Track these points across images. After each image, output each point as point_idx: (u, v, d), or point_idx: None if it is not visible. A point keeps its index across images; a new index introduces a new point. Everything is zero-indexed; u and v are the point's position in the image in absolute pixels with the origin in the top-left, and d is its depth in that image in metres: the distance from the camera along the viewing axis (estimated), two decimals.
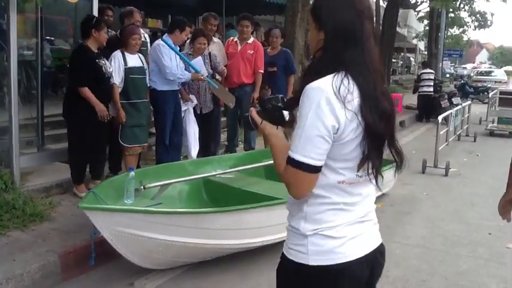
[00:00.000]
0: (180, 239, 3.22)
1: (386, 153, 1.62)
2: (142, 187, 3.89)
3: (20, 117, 5.78)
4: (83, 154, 4.87)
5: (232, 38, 6.75)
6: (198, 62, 5.65)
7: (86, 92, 4.63)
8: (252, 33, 11.77)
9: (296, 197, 1.52)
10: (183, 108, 5.70)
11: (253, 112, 1.63)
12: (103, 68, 4.75)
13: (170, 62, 5.26)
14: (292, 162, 1.45)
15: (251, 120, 1.63)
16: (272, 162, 5.03)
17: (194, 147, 5.72)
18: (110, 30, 5.81)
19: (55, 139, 6.24)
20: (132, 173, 3.71)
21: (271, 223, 3.66)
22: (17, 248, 3.57)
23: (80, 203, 3.06)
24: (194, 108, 5.80)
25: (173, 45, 5.31)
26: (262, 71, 6.45)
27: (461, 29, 30.07)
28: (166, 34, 5.56)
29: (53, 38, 11.24)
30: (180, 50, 5.71)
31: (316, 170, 1.45)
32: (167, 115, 5.40)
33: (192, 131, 5.72)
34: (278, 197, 4.14)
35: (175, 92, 5.46)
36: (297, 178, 1.47)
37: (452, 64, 44.89)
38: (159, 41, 5.45)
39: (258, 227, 3.58)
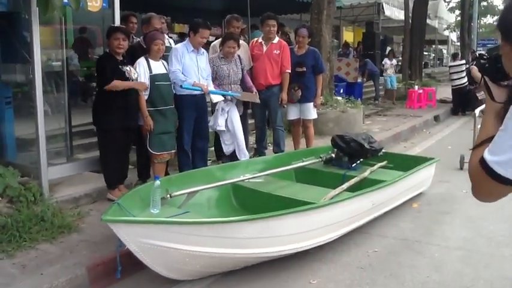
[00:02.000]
0: (206, 249, 3.11)
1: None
2: (168, 195, 3.82)
3: (49, 128, 5.83)
4: (114, 160, 4.87)
5: (256, 39, 6.63)
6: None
7: (116, 82, 4.65)
8: (277, 33, 11.68)
9: (477, 198, 1.32)
10: (226, 108, 5.59)
11: (474, 69, 1.43)
12: (126, 74, 4.72)
13: (178, 65, 5.16)
14: (483, 164, 1.22)
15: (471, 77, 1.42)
16: (302, 164, 4.89)
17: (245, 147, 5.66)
18: (134, 37, 5.79)
19: (85, 148, 6.28)
20: (158, 182, 3.63)
21: (302, 230, 3.53)
22: (46, 261, 3.53)
23: (103, 215, 2.98)
24: None
25: (191, 86, 5.16)
26: (289, 71, 6.31)
27: (495, 18, 29.10)
28: (187, 39, 5.48)
29: None
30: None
31: (510, 182, 1.21)
32: (186, 120, 5.30)
33: (240, 129, 5.61)
34: (310, 201, 4.00)
35: (196, 97, 5.30)
36: (483, 183, 1.25)
37: None
38: (175, 46, 5.40)
39: (287, 234, 3.44)
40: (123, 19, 6.46)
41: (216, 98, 5.49)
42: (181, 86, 5.08)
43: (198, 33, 5.25)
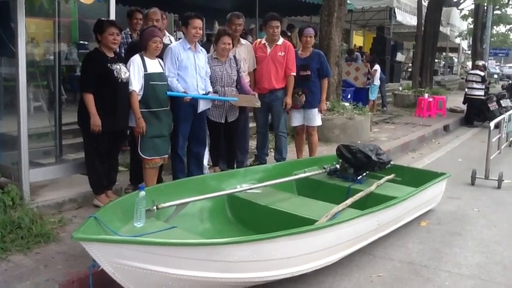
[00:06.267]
0: (192, 272, 2.77)
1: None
2: (155, 207, 3.48)
3: (38, 125, 5.52)
4: (99, 164, 4.55)
5: (259, 40, 6.27)
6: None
7: (88, 99, 4.31)
8: (286, 35, 11.29)
9: None
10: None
11: None
12: (115, 73, 4.36)
13: (173, 69, 4.83)
14: None
15: None
16: (304, 175, 4.51)
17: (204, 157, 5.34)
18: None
19: (76, 148, 5.91)
20: (143, 193, 3.29)
21: (299, 253, 3.17)
22: (15, 276, 3.20)
23: (75, 233, 2.65)
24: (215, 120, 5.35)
25: (180, 93, 4.77)
26: (295, 74, 5.96)
27: (508, 27, 28.62)
28: (183, 37, 5.13)
29: (86, 43, 11.08)
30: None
31: None
32: (182, 123, 4.94)
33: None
34: (310, 218, 3.67)
35: (195, 99, 4.94)
36: None
37: (498, 64, 42.92)
38: (169, 45, 5.04)
39: (282, 257, 3.09)
40: (128, 15, 6.15)
41: (203, 106, 5.11)
42: (165, 93, 4.72)
43: (189, 25, 4.89)
